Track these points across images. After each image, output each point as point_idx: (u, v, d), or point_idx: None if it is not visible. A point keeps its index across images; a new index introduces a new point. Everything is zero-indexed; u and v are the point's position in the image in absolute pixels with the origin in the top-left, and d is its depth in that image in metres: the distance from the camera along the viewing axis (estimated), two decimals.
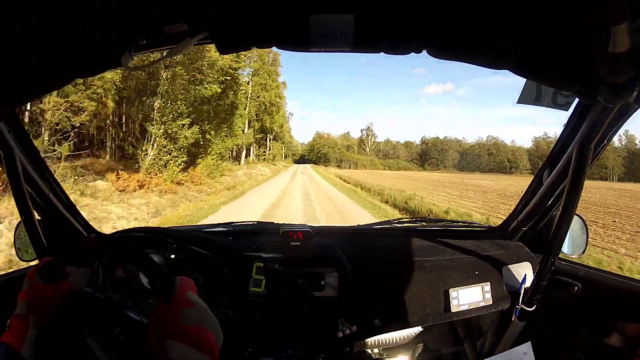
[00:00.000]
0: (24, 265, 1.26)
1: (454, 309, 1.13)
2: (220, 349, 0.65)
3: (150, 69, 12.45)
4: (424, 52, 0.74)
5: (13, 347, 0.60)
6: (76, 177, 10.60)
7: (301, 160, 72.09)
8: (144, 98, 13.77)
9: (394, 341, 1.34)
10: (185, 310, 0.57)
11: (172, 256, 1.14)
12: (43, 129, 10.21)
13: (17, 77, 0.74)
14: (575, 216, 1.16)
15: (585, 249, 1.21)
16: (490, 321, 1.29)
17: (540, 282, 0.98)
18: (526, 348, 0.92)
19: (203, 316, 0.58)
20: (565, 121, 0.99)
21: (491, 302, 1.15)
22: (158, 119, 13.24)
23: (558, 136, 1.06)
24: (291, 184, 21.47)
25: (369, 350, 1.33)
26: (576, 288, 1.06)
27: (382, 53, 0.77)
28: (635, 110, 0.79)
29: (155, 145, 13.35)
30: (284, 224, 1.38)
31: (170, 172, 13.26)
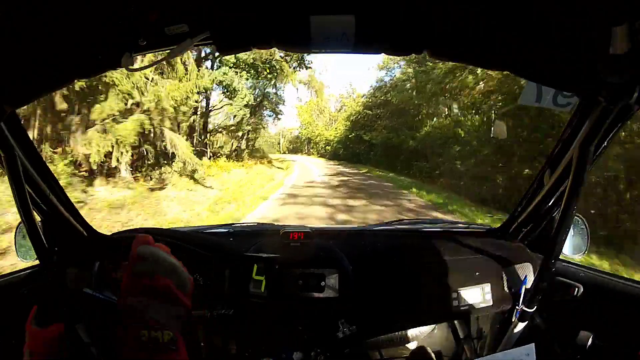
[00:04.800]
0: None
1: (454, 310, 1.13)
2: (221, 350, 0.65)
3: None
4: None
5: None
6: None
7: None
8: None
9: (394, 341, 1.34)
10: (135, 266, 0.57)
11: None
12: None
13: (17, 77, 0.74)
14: (576, 217, 1.16)
15: (586, 250, 1.21)
16: (491, 322, 1.29)
17: (540, 283, 0.98)
18: (529, 350, 0.91)
19: (154, 266, 0.58)
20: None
21: (491, 303, 1.15)
22: None
23: (559, 137, 1.06)
24: None
25: (369, 351, 1.33)
26: (577, 289, 1.06)
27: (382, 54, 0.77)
28: (636, 111, 0.79)
29: None
30: (284, 225, 1.38)
31: None
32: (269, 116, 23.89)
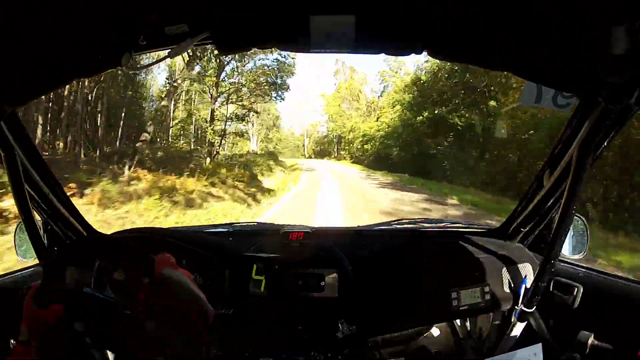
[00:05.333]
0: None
1: (453, 310, 1.13)
2: (220, 350, 0.66)
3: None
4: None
5: None
6: None
7: None
8: None
9: (394, 341, 1.34)
10: (161, 288, 0.58)
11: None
12: None
13: (17, 76, 0.74)
14: (575, 217, 1.16)
15: (586, 250, 1.21)
16: (490, 322, 1.29)
17: (540, 284, 0.98)
18: (536, 349, 0.90)
19: (178, 291, 0.59)
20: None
21: (491, 303, 1.15)
22: None
23: (559, 137, 1.05)
24: None
25: (369, 351, 1.33)
26: (576, 289, 1.06)
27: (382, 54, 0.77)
28: (636, 112, 0.79)
29: None
30: (284, 224, 1.38)
31: None
32: (267, 95, 14.52)
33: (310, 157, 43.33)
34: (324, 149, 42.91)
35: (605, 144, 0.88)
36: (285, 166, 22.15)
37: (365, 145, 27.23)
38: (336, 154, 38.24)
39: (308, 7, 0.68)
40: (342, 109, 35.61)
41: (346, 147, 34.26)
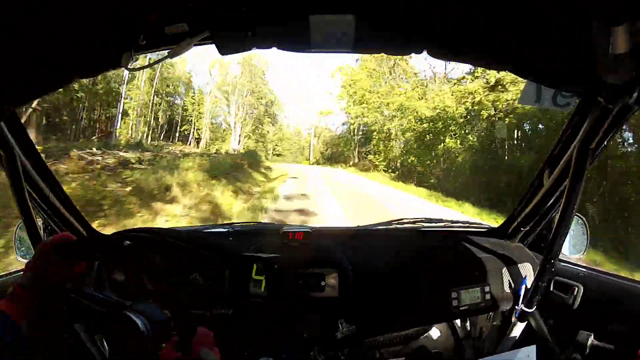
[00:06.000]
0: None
1: (454, 310, 1.13)
2: (220, 350, 0.66)
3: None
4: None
5: (12, 317, 0.60)
6: None
7: None
8: None
9: (394, 341, 1.34)
10: None
11: (172, 257, 1.14)
12: None
13: (17, 76, 0.74)
14: (575, 217, 1.16)
15: (586, 250, 1.21)
16: (490, 322, 1.29)
17: (540, 283, 0.98)
18: (529, 351, 0.91)
19: None
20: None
21: (491, 303, 1.15)
22: None
23: (559, 137, 1.05)
24: None
25: (369, 351, 1.33)
26: (576, 289, 1.06)
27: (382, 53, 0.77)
28: (635, 112, 0.79)
29: None
30: (284, 224, 1.38)
31: None
32: None
33: (317, 162, 30.69)
34: (337, 152, 28.46)
35: (605, 143, 0.88)
36: (253, 183, 12.80)
37: (451, 140, 13.58)
38: (356, 160, 24.38)
39: (308, 7, 0.68)
40: (375, 81, 19.99)
41: (380, 149, 19.41)
